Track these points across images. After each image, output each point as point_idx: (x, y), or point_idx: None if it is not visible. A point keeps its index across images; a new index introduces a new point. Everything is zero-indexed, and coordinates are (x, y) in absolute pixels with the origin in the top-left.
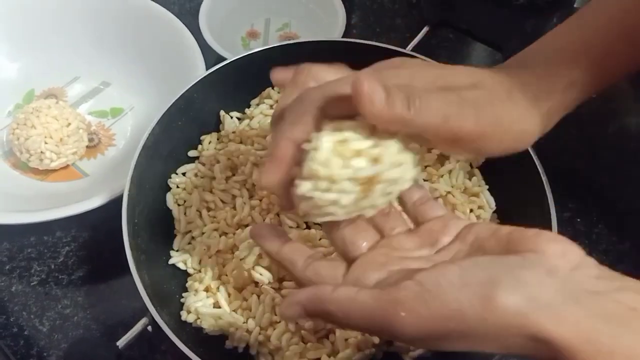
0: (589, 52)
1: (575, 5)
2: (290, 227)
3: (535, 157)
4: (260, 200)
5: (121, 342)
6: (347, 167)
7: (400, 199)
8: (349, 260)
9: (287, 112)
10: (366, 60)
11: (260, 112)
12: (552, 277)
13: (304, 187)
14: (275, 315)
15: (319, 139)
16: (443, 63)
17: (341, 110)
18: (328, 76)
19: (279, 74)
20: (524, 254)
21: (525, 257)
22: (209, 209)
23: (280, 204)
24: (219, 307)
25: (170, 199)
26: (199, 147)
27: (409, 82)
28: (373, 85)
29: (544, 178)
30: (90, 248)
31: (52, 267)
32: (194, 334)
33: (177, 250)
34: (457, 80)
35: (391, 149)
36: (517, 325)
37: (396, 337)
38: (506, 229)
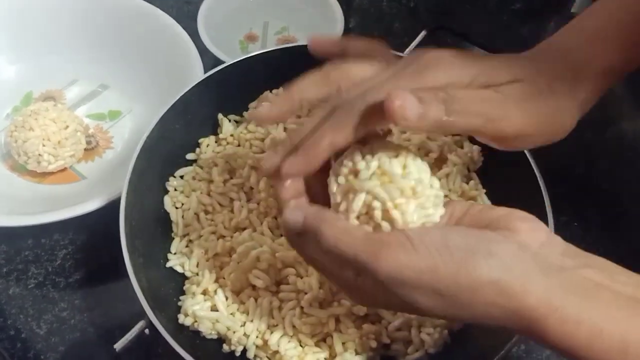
0: (620, 34)
1: (572, 10)
2: None
3: (532, 161)
4: (258, 204)
5: (118, 345)
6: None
7: None
8: None
9: (330, 120)
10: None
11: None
12: (522, 252)
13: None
14: (273, 318)
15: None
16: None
17: (382, 120)
18: (360, 71)
19: (318, 41)
20: (497, 231)
21: (498, 233)
22: (206, 212)
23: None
24: (217, 311)
25: (168, 202)
26: (197, 150)
27: (448, 82)
28: (405, 99)
29: (541, 182)
30: (88, 251)
31: (50, 269)
32: (191, 338)
33: (174, 253)
34: (497, 76)
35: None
36: (489, 293)
37: (374, 275)
38: (478, 207)
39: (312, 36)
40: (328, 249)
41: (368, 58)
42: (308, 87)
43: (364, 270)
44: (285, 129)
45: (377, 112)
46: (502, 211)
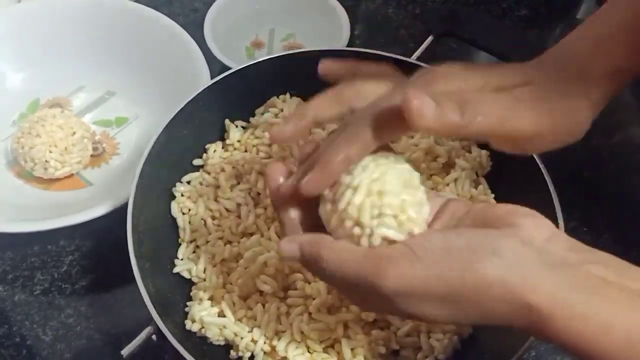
0: (628, 37)
1: (577, 17)
2: None
3: (542, 166)
4: (265, 209)
5: (125, 351)
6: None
7: None
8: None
9: (344, 130)
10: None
11: (265, 120)
12: (527, 248)
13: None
14: (281, 324)
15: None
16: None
17: (396, 127)
18: (373, 91)
19: (328, 65)
20: (500, 228)
21: (502, 230)
22: (213, 218)
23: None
24: (224, 316)
25: (175, 208)
26: (204, 155)
27: (459, 89)
28: (422, 99)
29: (551, 187)
30: (94, 257)
31: (56, 276)
32: (198, 344)
33: (181, 259)
34: (509, 80)
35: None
36: (495, 291)
37: (379, 291)
38: (479, 205)
39: (322, 62)
40: (331, 273)
41: (379, 78)
42: (321, 105)
43: (368, 287)
44: None
45: (390, 120)
46: (505, 208)
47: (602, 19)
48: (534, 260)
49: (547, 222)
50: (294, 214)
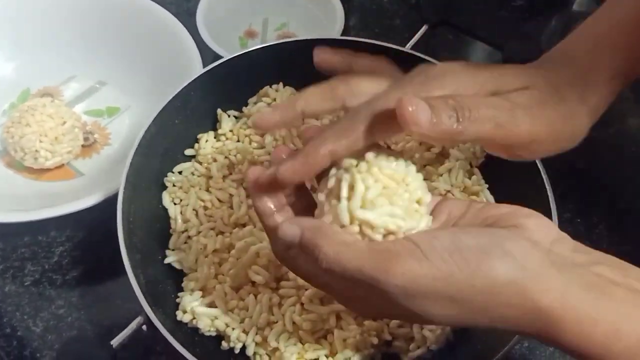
0: (627, 40)
1: (574, 8)
2: None
3: None
4: None
5: (115, 341)
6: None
7: None
8: None
9: (335, 124)
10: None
11: (258, 110)
12: (536, 249)
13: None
14: (273, 315)
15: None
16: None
17: (388, 128)
18: (367, 88)
19: (323, 56)
20: (508, 228)
21: (510, 230)
22: (205, 208)
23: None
24: (216, 307)
25: (166, 198)
26: (196, 145)
27: (455, 91)
28: (417, 105)
29: (545, 177)
30: (85, 248)
31: (46, 267)
32: (189, 334)
33: (172, 250)
34: (506, 83)
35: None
36: (505, 293)
37: (383, 288)
38: (478, 204)
39: (317, 50)
40: (328, 265)
41: (374, 74)
42: (313, 99)
43: (370, 284)
44: None
45: (384, 121)
46: (506, 208)
47: (601, 19)
48: (544, 262)
49: (550, 223)
50: (269, 202)
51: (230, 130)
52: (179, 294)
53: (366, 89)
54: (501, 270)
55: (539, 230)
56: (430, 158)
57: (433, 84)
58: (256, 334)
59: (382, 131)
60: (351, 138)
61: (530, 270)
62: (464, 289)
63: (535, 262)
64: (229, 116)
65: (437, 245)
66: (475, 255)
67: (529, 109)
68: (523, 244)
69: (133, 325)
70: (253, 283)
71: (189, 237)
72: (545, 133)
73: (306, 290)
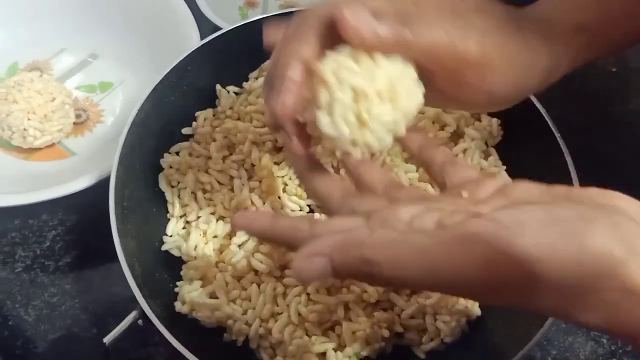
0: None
1: None
2: (293, 211)
3: (558, 136)
4: (260, 182)
5: (108, 339)
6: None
7: (425, 163)
8: None
9: (290, 32)
10: None
11: (260, 86)
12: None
13: (324, 120)
14: (277, 306)
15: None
16: None
17: (335, 38)
18: None
19: (275, 35)
20: (605, 205)
21: (612, 206)
22: (205, 191)
23: (291, 144)
24: (217, 298)
25: (162, 181)
26: (194, 124)
27: (415, 4)
28: (358, 14)
29: (568, 158)
30: (79, 232)
31: (38, 252)
32: (189, 327)
33: (171, 236)
34: (466, 6)
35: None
36: (611, 274)
37: (466, 286)
38: (561, 188)
39: (266, 27)
40: (385, 277)
41: None
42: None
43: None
44: None
45: (333, 28)
46: (594, 190)
47: None
48: None
49: None
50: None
51: (231, 108)
52: (178, 284)
53: None
54: (610, 245)
55: (635, 212)
56: (445, 137)
57: None
58: (260, 326)
59: (333, 41)
60: (311, 42)
61: (639, 251)
62: (571, 270)
63: None
64: (229, 92)
65: (527, 220)
66: (579, 226)
67: (483, 31)
68: (629, 221)
69: (130, 319)
70: (256, 272)
71: (188, 223)
72: (498, 57)
73: None
